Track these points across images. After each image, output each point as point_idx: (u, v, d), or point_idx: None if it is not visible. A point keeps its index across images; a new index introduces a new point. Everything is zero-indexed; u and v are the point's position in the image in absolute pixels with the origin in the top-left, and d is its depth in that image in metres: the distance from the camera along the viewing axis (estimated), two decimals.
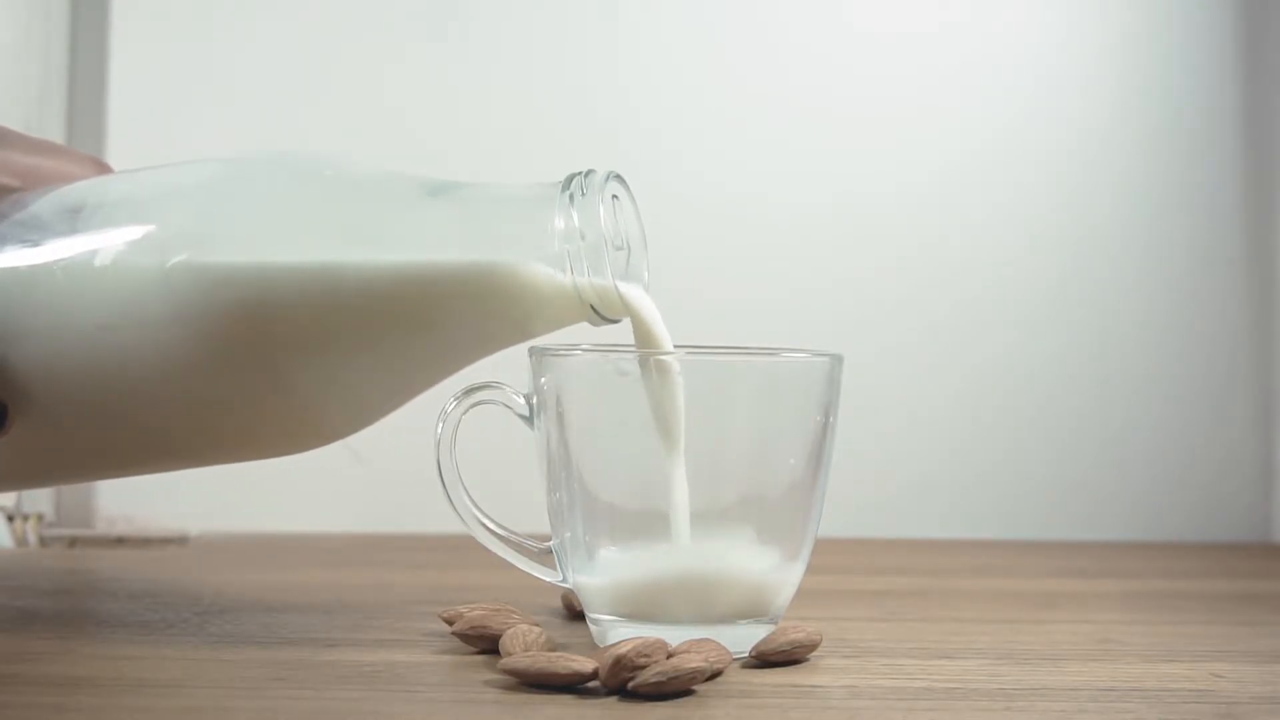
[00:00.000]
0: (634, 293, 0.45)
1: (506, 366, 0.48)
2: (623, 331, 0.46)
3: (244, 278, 0.43)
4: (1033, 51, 0.87)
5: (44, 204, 0.47)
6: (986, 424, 0.86)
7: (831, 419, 0.46)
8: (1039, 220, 0.87)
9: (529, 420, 0.47)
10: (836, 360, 0.46)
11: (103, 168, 0.52)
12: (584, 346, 0.46)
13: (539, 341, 0.47)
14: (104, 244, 0.45)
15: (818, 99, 0.86)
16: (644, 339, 0.45)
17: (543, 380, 0.46)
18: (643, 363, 0.44)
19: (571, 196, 0.44)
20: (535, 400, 0.46)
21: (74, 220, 0.46)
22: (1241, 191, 0.87)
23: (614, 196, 0.46)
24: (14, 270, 0.46)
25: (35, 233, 0.46)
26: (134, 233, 0.45)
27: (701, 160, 0.85)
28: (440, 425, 0.47)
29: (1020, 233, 0.87)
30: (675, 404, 0.44)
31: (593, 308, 0.45)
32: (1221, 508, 0.86)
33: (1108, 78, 0.87)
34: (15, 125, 0.57)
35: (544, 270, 0.44)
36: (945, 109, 0.87)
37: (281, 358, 0.44)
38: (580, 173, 0.45)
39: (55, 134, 0.81)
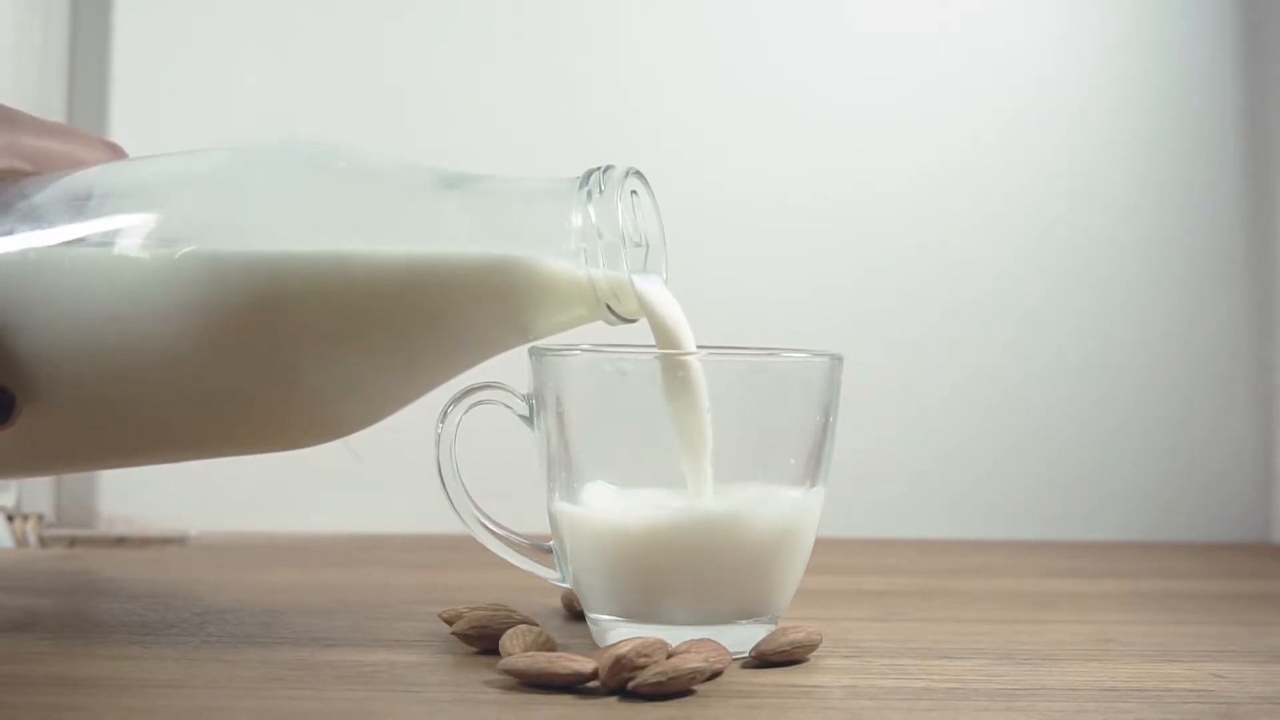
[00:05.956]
0: (652, 290, 0.45)
1: (507, 366, 0.48)
2: (629, 332, 0.46)
3: (254, 268, 0.43)
4: (1033, 51, 0.87)
5: (51, 192, 0.47)
6: (987, 424, 0.86)
7: (831, 419, 0.46)
8: (1039, 220, 0.87)
9: (529, 420, 0.47)
10: (836, 360, 0.46)
11: (114, 150, 0.51)
12: (584, 346, 0.46)
13: (539, 341, 0.47)
14: (112, 233, 0.44)
15: (817, 98, 0.86)
16: (664, 337, 0.44)
17: (543, 380, 0.46)
18: (661, 364, 0.44)
19: (589, 193, 0.44)
20: (535, 400, 0.46)
21: (82, 209, 0.45)
22: (1241, 192, 0.87)
23: (633, 192, 0.45)
24: (22, 259, 0.45)
25: (43, 221, 0.45)
26: (143, 222, 0.44)
27: (701, 160, 0.85)
28: (440, 425, 0.47)
29: (1020, 233, 0.87)
30: (698, 406, 0.43)
31: (609, 307, 0.44)
32: (1221, 508, 0.86)
33: (1108, 78, 0.87)
34: None
35: (561, 267, 0.44)
36: (944, 109, 0.87)
37: (291, 349, 0.43)
38: (599, 168, 0.44)
39: None
